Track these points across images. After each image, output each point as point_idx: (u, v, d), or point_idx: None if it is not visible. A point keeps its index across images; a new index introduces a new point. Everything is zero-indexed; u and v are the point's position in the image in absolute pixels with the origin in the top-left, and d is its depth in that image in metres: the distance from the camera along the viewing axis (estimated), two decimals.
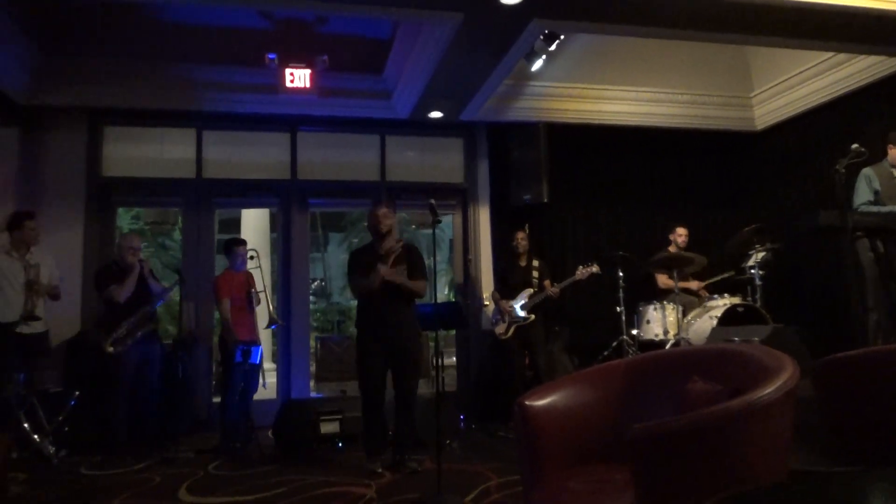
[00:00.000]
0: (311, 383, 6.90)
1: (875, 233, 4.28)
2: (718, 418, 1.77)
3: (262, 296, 5.40)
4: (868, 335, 4.39)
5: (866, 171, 4.85)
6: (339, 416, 5.15)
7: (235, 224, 10.22)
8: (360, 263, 4.41)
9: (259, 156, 6.64)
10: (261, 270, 5.58)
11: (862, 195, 4.81)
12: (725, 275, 6.44)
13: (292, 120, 6.62)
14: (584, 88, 6.85)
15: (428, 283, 4.51)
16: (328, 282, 15.09)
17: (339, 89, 6.37)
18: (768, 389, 1.81)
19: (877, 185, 4.82)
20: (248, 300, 5.33)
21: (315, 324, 12.42)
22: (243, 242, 5.63)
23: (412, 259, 4.42)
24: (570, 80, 6.76)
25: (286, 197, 6.76)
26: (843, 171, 4.31)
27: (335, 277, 15.34)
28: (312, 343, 7.00)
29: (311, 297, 11.74)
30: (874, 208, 4.64)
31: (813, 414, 2.64)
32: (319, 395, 6.88)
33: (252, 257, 5.50)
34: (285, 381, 6.53)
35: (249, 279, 5.43)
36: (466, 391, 6.66)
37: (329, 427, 5.11)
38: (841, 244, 4.67)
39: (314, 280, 13.85)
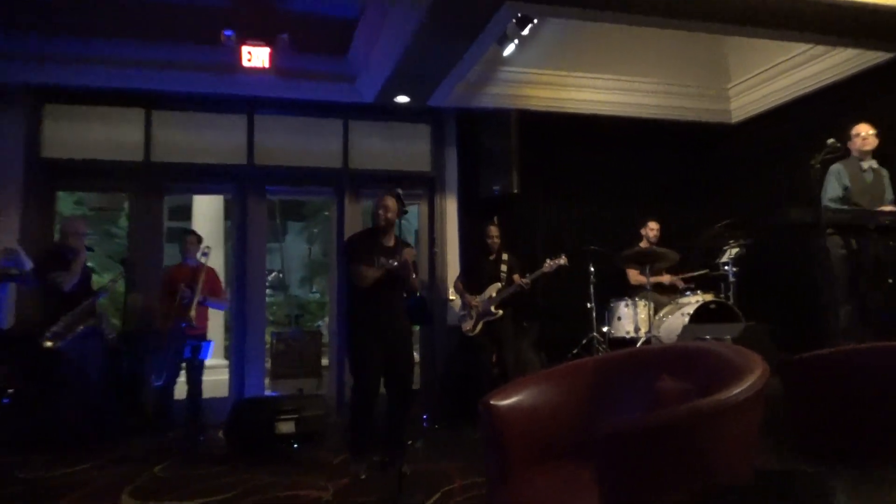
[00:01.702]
0: (266, 381, 6.85)
1: (846, 230, 4.42)
2: (687, 417, 1.82)
3: (196, 297, 5.27)
4: (837, 333, 4.54)
5: (836, 166, 5.00)
6: (296, 416, 5.13)
7: (186, 211, 10.06)
8: (362, 251, 4.30)
9: (213, 139, 6.56)
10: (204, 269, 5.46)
11: (831, 190, 4.97)
12: (698, 272, 6.58)
13: (249, 102, 6.54)
14: (557, 75, 6.91)
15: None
16: (286, 274, 14.97)
17: (301, 70, 6.31)
18: (738, 389, 1.87)
19: (846, 182, 4.97)
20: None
21: (271, 318, 12.32)
22: (193, 232, 5.59)
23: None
24: (543, 67, 6.81)
25: (242, 183, 6.69)
26: (818, 166, 4.44)
27: (294, 269, 15.23)
28: (268, 338, 6.95)
29: (268, 290, 11.65)
30: (845, 207, 4.79)
31: (780, 412, 2.73)
32: (275, 394, 6.84)
33: (205, 253, 5.45)
34: (238, 379, 6.49)
35: (197, 274, 5.33)
36: (431, 389, 6.69)
37: (285, 427, 5.09)
38: (812, 240, 4.84)
39: (271, 272, 13.72)
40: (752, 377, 1.92)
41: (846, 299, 4.72)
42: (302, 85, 6.38)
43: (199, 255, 5.43)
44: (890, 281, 4.48)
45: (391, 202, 4.35)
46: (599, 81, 7.04)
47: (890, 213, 4.60)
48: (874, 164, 5.11)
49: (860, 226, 4.41)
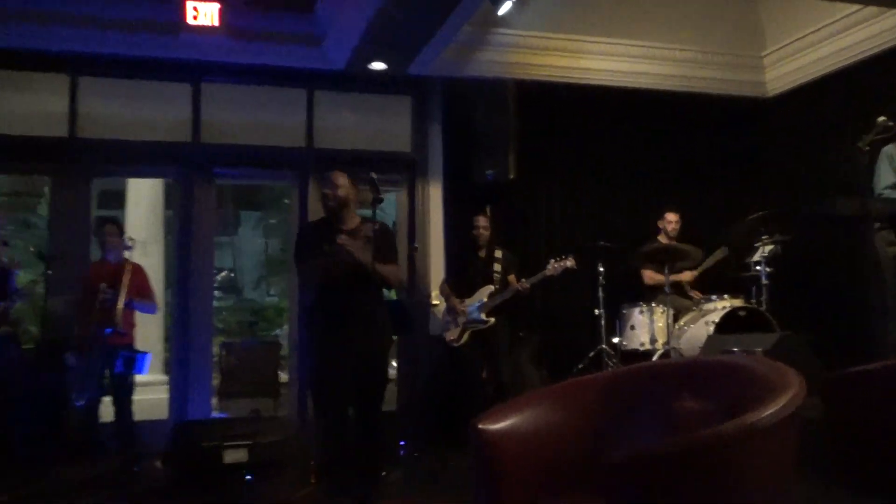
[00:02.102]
0: (214, 400, 6.84)
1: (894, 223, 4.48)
2: (709, 443, 1.84)
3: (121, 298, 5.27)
4: (887, 347, 4.59)
5: (889, 149, 5.02)
6: (249, 442, 5.12)
7: (119, 198, 10.01)
8: (313, 242, 4.20)
9: (152, 112, 6.52)
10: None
11: (884, 178, 4.99)
12: (717, 253, 6.57)
13: (195, 68, 6.51)
14: (563, 39, 6.93)
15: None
16: (238, 273, 14.92)
17: (257, 30, 6.30)
18: (768, 411, 1.89)
19: None
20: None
21: (220, 325, 12.26)
22: (112, 221, 5.59)
23: (382, 240, 4.20)
24: (546, 29, 6.83)
25: (186, 165, 6.66)
26: (867, 148, 4.49)
27: (248, 268, 15.18)
28: (216, 350, 6.94)
29: (217, 293, 11.60)
30: (891, 197, 4.82)
31: (821, 437, 2.76)
32: (224, 416, 6.83)
33: (128, 247, 5.44)
34: (180, 398, 6.46)
35: (120, 272, 5.32)
36: (410, 410, 6.70)
37: (235, 455, 5.07)
38: (860, 237, 4.88)
39: (220, 271, 13.68)
40: (786, 396, 1.95)
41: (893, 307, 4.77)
42: (258, 48, 6.35)
43: (122, 249, 5.43)
44: None
45: (341, 178, 4.21)
46: (612, 47, 7.07)
47: None
48: None
49: None
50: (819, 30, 6.88)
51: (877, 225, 4.62)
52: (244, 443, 5.11)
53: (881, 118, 4.42)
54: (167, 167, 6.77)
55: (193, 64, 6.46)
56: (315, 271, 4.14)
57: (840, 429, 2.70)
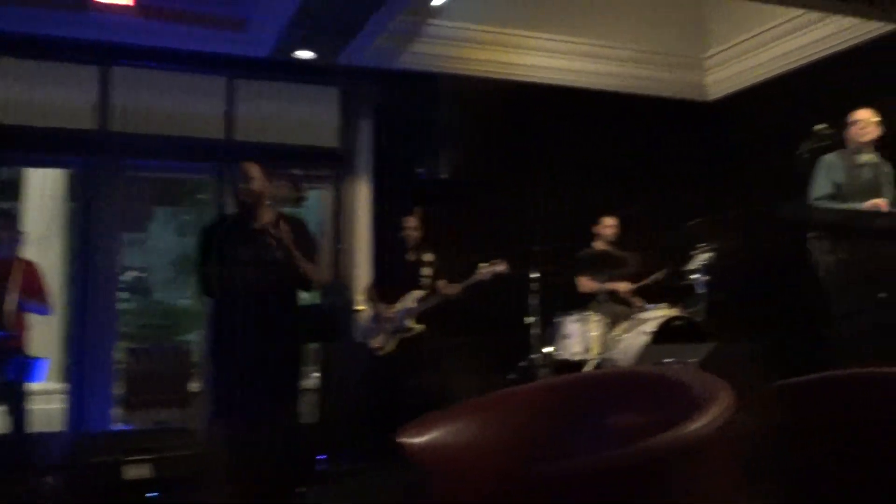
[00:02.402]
0: (116, 411, 6.68)
1: (838, 233, 4.64)
2: (637, 458, 1.86)
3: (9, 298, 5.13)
4: (828, 354, 4.75)
5: (828, 158, 5.19)
6: (154, 457, 5.02)
7: (14, 188, 9.68)
8: (220, 244, 4.09)
9: (54, 97, 6.35)
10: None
11: (819, 187, 5.15)
12: (656, 275, 6.73)
13: (104, 50, 6.36)
14: (501, 34, 6.98)
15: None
16: (149, 273, 14.59)
17: (173, 10, 6.19)
18: (695, 425, 1.92)
19: (838, 177, 5.16)
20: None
21: (126, 329, 11.96)
22: (1, 213, 5.44)
23: (300, 237, 4.14)
24: (484, 22, 6.88)
25: (91, 155, 6.50)
26: (807, 156, 4.65)
27: (159, 267, 14.85)
28: (121, 356, 6.77)
29: (124, 294, 11.30)
30: (834, 205, 4.99)
31: (758, 451, 2.83)
32: (127, 428, 6.67)
33: (15, 240, 5.29)
34: (78, 408, 6.29)
35: (8, 269, 5.16)
36: (331, 422, 6.65)
37: (137, 471, 4.95)
38: (802, 244, 5.04)
39: (128, 270, 13.34)
40: (715, 410, 1.99)
41: (836, 315, 4.94)
42: (174, 30, 6.25)
43: (13, 243, 5.29)
44: (882, 295, 4.71)
45: (253, 170, 4.11)
46: (552, 43, 7.16)
47: (888, 213, 4.81)
48: (875, 157, 5.28)
49: (851, 229, 4.62)
50: (762, 33, 7.10)
51: (813, 234, 4.78)
52: (148, 457, 4.99)
53: (819, 126, 4.57)
54: (70, 156, 6.58)
55: (103, 45, 6.30)
56: (220, 278, 4.01)
57: (781, 443, 2.76)
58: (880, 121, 5.22)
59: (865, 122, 5.19)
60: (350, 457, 6.04)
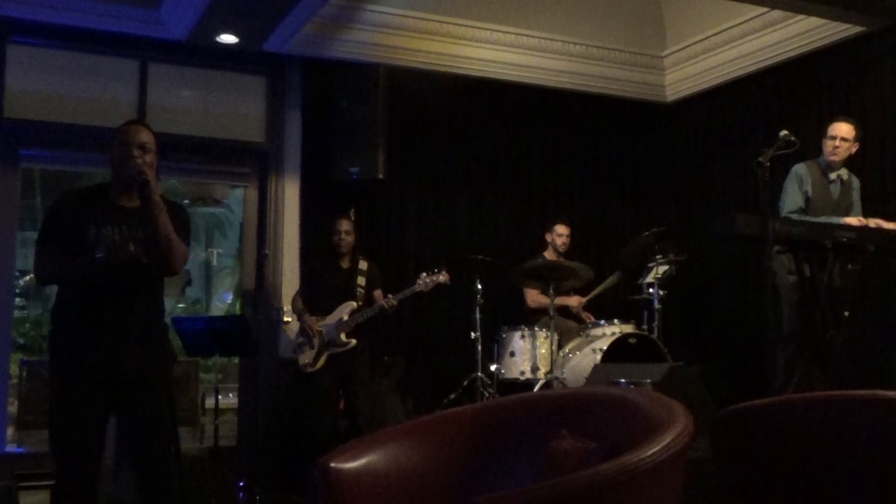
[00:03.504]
0: (10, 431, 6.53)
1: (801, 249, 4.76)
2: (584, 487, 1.89)
3: None
4: (780, 378, 4.87)
5: (799, 168, 5.33)
6: (52, 483, 4.91)
7: None
8: (74, 222, 3.56)
9: None
10: None
11: (791, 200, 5.28)
12: (610, 280, 6.81)
13: (0, 25, 6.20)
14: (444, 23, 7.00)
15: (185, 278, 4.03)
16: None
17: None
18: (651, 450, 1.96)
19: (809, 188, 5.32)
20: None
21: (22, 340, 11.67)
22: None
23: (175, 220, 3.66)
24: (424, 10, 6.89)
25: None
26: (768, 164, 4.75)
27: None
28: (15, 369, 6.62)
29: (18, 300, 11.01)
30: (805, 218, 5.12)
31: (709, 479, 2.89)
32: (20, 450, 6.52)
33: None
34: None
35: None
36: (252, 446, 6.59)
37: (32, 498, 4.87)
38: (760, 259, 5.15)
39: (25, 274, 12.99)
40: (671, 434, 2.03)
41: (793, 336, 5.07)
42: (80, 5, 6.13)
43: None
44: (847, 314, 4.86)
45: (142, 132, 3.65)
46: (499, 35, 7.20)
47: (853, 227, 4.94)
48: (844, 172, 5.46)
49: (819, 245, 4.74)
50: (722, 32, 7.24)
51: (776, 248, 4.88)
52: (45, 483, 4.86)
53: (783, 132, 4.68)
54: None
55: None
56: (66, 268, 3.54)
57: (728, 470, 2.82)
58: (857, 135, 5.35)
59: (841, 140, 5.28)
60: (270, 483, 5.99)
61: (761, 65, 6.99)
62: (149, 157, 3.60)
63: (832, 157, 5.34)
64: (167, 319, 4.07)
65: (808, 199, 5.30)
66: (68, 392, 3.54)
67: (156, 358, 3.60)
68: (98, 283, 3.51)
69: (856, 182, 5.56)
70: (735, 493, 2.86)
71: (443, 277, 5.92)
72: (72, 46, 6.46)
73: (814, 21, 6.44)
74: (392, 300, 5.86)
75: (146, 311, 3.62)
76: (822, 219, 5.06)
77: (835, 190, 5.42)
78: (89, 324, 3.53)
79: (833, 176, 5.41)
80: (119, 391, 3.56)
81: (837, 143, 5.31)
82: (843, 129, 5.33)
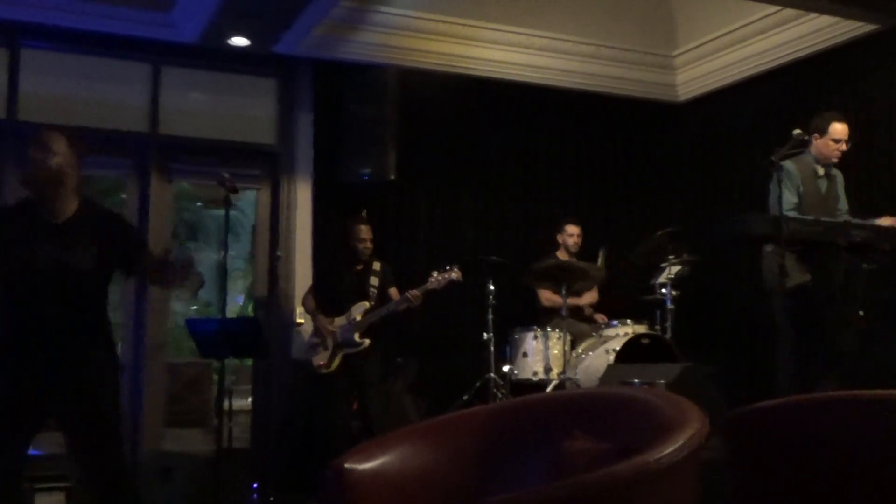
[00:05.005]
0: None
1: (809, 248, 4.74)
2: (598, 487, 1.89)
3: None
4: (790, 380, 4.85)
5: (788, 165, 5.29)
6: (67, 485, 4.96)
7: None
8: (8, 236, 3.51)
9: None
10: None
11: (787, 199, 5.23)
12: (602, 256, 6.78)
13: (12, 29, 6.23)
14: (454, 24, 7.00)
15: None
16: None
17: None
18: (665, 451, 1.96)
19: (800, 185, 5.28)
20: None
21: None
22: None
23: (113, 229, 3.68)
24: (435, 11, 6.89)
25: None
26: (781, 163, 4.75)
27: None
28: None
29: None
30: (808, 217, 5.10)
31: (723, 480, 2.88)
32: (36, 452, 6.54)
33: None
34: None
35: None
36: (265, 448, 6.60)
37: (48, 499, 4.89)
38: (758, 260, 5.15)
39: None
40: (685, 435, 2.03)
41: (792, 337, 5.04)
42: (92, 9, 6.14)
43: None
44: (861, 314, 4.83)
45: (57, 141, 3.50)
46: (509, 36, 7.20)
47: (865, 226, 4.94)
48: (831, 168, 5.47)
49: (829, 244, 4.72)
50: (735, 31, 7.21)
51: (768, 248, 4.87)
52: (60, 485, 4.95)
53: (797, 131, 4.67)
54: None
55: (10, 24, 6.18)
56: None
57: (741, 471, 2.82)
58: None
59: (841, 139, 5.28)
60: (284, 486, 6.00)
61: (773, 63, 6.97)
62: (54, 161, 3.46)
63: (834, 158, 5.34)
64: (181, 321, 4.10)
65: (799, 196, 5.27)
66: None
67: (98, 370, 3.56)
68: (34, 297, 3.45)
69: (840, 176, 5.54)
70: (749, 492, 2.85)
71: (455, 274, 5.88)
72: (84, 50, 6.49)
73: (826, 19, 6.41)
74: (415, 293, 5.79)
75: (88, 309, 3.59)
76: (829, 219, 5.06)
77: (822, 185, 5.42)
78: (31, 323, 3.48)
79: (821, 172, 5.40)
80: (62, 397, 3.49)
81: (843, 145, 5.30)
82: (845, 131, 5.32)
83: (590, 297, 6.96)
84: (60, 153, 3.46)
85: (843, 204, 5.47)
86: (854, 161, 5.70)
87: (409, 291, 5.82)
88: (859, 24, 6.22)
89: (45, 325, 3.48)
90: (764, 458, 2.76)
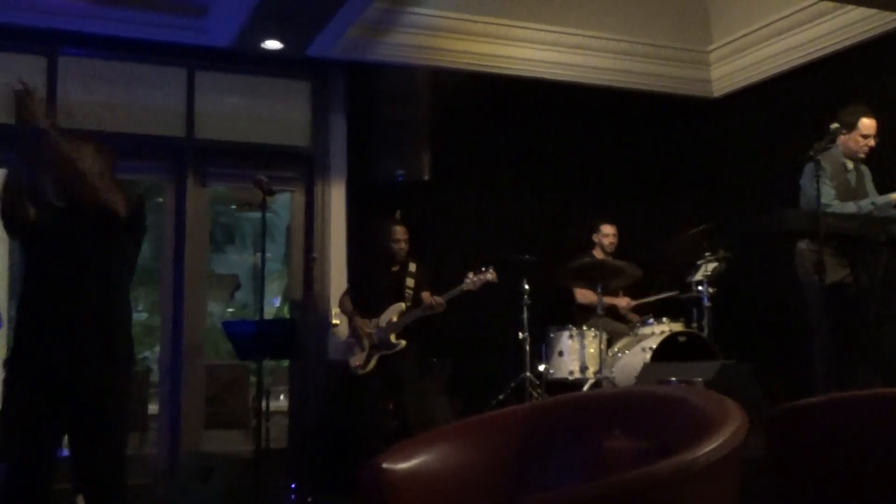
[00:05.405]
0: (66, 436, 6.62)
1: (847, 242, 4.68)
2: (638, 486, 1.87)
3: None
4: (822, 376, 4.80)
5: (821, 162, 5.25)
6: None
7: None
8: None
9: None
10: None
11: (826, 193, 5.18)
12: (665, 294, 6.78)
13: (51, 37, 6.31)
14: (486, 23, 7.00)
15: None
16: None
17: None
18: (706, 449, 1.94)
19: (832, 180, 5.22)
20: None
21: None
22: None
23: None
24: (467, 11, 6.89)
25: None
26: (819, 158, 4.70)
27: None
28: None
29: None
30: (849, 208, 5.04)
31: (764, 478, 2.86)
32: (66, 453, 6.62)
33: None
34: None
35: None
36: (302, 448, 6.63)
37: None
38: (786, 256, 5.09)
39: None
40: (726, 432, 2.00)
41: (829, 333, 4.98)
42: (127, 16, 6.20)
43: None
44: None
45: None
46: (542, 34, 7.18)
47: None
48: (858, 163, 5.44)
49: (867, 238, 4.66)
50: (770, 25, 7.14)
51: (801, 244, 4.81)
52: None
53: (834, 125, 4.61)
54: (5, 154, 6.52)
55: (49, 32, 6.25)
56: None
57: (783, 468, 2.79)
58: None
59: (868, 136, 5.25)
60: (322, 484, 6.03)
61: (810, 57, 6.89)
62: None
63: (862, 154, 5.30)
64: (218, 323, 4.10)
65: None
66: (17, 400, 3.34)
67: (109, 362, 3.39)
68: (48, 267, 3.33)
69: (867, 170, 5.50)
70: (790, 491, 2.83)
71: (490, 276, 5.89)
72: (120, 56, 6.55)
73: (863, 11, 6.32)
74: (440, 300, 5.82)
75: (101, 286, 3.45)
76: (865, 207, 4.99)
77: (851, 179, 5.38)
78: (46, 302, 3.33)
79: (850, 166, 5.36)
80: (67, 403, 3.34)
81: (871, 140, 5.27)
82: (874, 126, 5.28)
83: (626, 302, 6.93)
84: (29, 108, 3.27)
85: (875, 196, 5.40)
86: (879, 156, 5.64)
87: (434, 297, 5.84)
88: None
89: (62, 281, 3.37)
90: (805, 456, 2.74)
